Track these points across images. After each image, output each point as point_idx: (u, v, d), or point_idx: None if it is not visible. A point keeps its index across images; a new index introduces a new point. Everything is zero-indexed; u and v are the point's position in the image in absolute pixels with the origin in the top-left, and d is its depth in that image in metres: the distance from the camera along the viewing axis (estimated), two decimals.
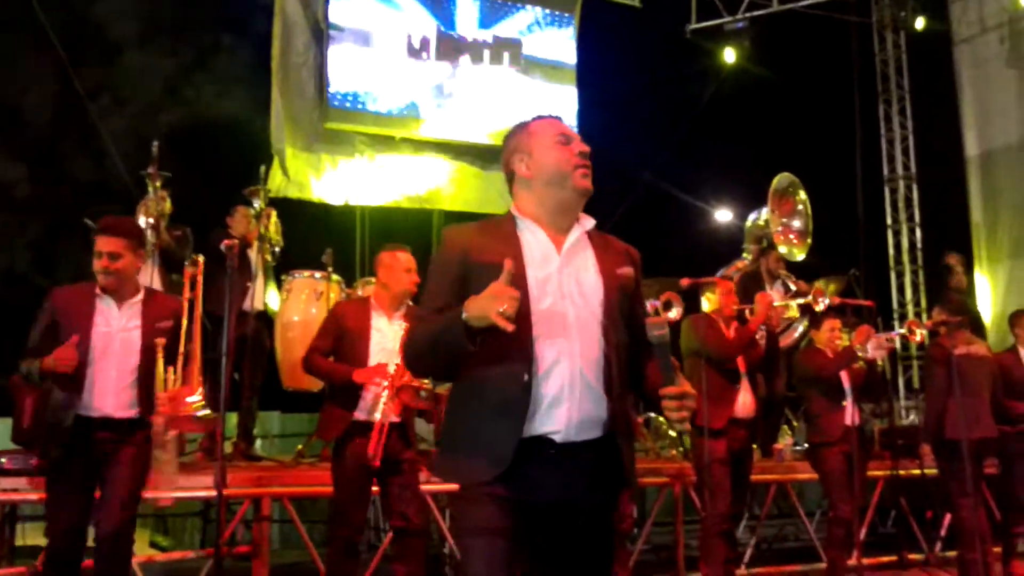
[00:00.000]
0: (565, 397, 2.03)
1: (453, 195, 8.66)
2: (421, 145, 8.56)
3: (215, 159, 8.41)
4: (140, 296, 3.44)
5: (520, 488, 2.01)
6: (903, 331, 5.95)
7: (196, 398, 3.35)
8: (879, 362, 6.60)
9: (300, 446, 5.69)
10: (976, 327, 6.90)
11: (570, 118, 9.09)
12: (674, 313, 4.57)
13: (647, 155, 10.14)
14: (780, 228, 5.76)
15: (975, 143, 10.11)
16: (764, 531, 6.38)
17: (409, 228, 8.15)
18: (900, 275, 10.20)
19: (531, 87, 8.96)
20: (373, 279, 5.84)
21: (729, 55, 9.78)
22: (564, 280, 2.11)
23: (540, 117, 2.28)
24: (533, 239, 2.14)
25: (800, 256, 5.86)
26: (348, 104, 8.19)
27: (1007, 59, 9.82)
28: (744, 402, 4.72)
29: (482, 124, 8.67)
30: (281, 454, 6.56)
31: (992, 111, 9.97)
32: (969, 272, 9.02)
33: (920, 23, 9.78)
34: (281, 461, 5.45)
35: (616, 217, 9.38)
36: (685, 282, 4.64)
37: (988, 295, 9.70)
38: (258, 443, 6.71)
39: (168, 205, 5.13)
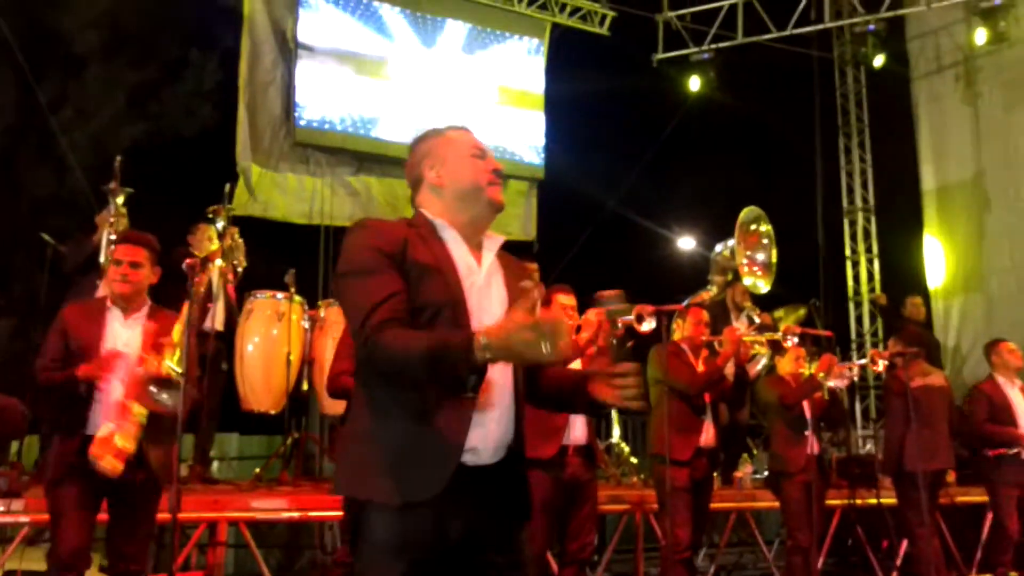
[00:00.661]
0: (489, 418, 1.93)
1: None
2: (389, 166, 8.54)
3: (179, 176, 8.31)
4: (145, 310, 3.43)
5: (442, 513, 1.90)
6: (865, 360, 6.04)
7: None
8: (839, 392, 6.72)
9: (258, 469, 5.60)
10: (933, 358, 7.05)
11: (538, 144, 9.16)
12: (646, 327, 4.59)
13: (612, 181, 10.24)
14: (746, 260, 5.82)
15: (931, 177, 10.36)
16: (723, 559, 6.40)
17: None
18: (858, 305, 10.37)
19: (501, 112, 9.01)
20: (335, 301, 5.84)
21: (695, 85, 9.92)
22: (484, 296, 2.05)
23: (454, 127, 2.24)
24: (458, 250, 2.06)
25: (765, 289, 5.93)
26: (315, 123, 8.16)
27: (962, 96, 10.09)
28: (708, 432, 4.74)
29: None
30: (239, 477, 6.45)
31: (948, 146, 10.22)
32: (926, 304, 9.20)
33: (879, 60, 10.02)
34: (238, 484, 5.35)
35: (580, 242, 9.44)
36: (649, 309, 4.65)
37: (943, 328, 9.89)
38: (215, 465, 6.60)
39: (125, 222, 5.04)
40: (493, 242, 2.16)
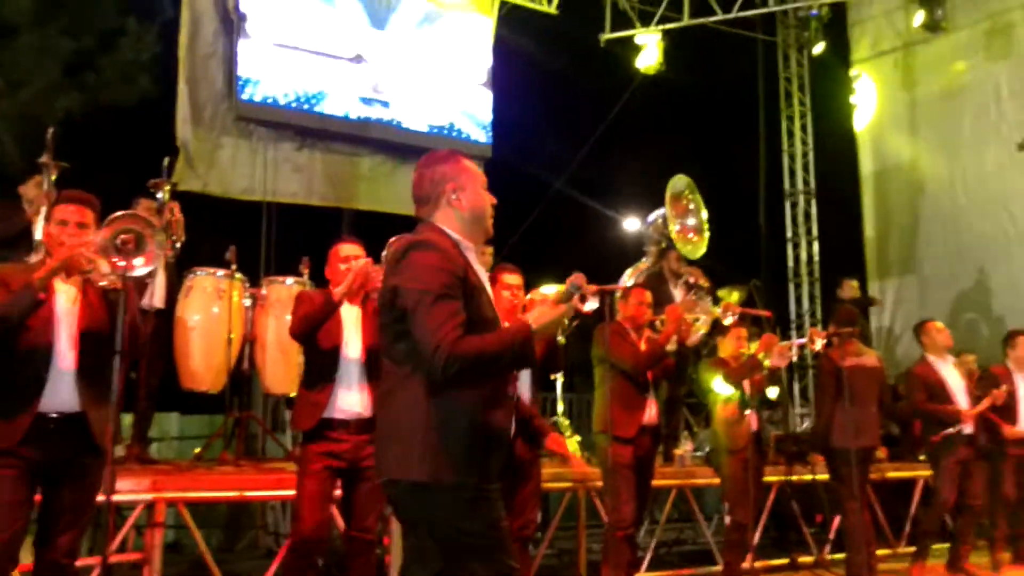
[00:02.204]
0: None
1: (366, 193, 8.55)
2: (334, 141, 8.42)
3: (116, 149, 8.08)
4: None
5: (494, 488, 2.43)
6: (804, 340, 6.18)
7: None
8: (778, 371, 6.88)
9: (198, 449, 5.53)
10: (866, 339, 7.26)
11: (485, 122, 9.11)
12: (589, 306, 4.63)
13: (560, 161, 10.26)
14: (678, 228, 5.88)
15: (870, 162, 10.60)
16: (664, 535, 6.52)
17: (318, 226, 8.01)
18: (798, 286, 10.59)
19: (449, 90, 8.93)
20: (279, 278, 5.75)
21: (642, 65, 9.96)
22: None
23: (464, 155, 2.63)
24: (480, 270, 2.53)
25: (699, 254, 5.99)
26: (258, 97, 7.98)
27: (901, 82, 10.33)
28: (651, 410, 4.80)
29: (396, 123, 8.60)
30: (179, 457, 6.36)
31: (886, 132, 10.46)
32: (862, 286, 9.45)
33: (820, 47, 10.17)
34: (177, 464, 5.27)
35: (528, 222, 9.45)
36: (592, 288, 4.69)
37: (878, 309, 10.16)
38: (154, 446, 6.49)
39: (52, 194, 4.89)
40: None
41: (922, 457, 6.70)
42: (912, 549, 6.31)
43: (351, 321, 3.81)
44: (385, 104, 8.57)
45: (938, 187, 9.85)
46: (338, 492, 3.85)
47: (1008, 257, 9.07)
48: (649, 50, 9.86)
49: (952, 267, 9.58)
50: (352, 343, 3.77)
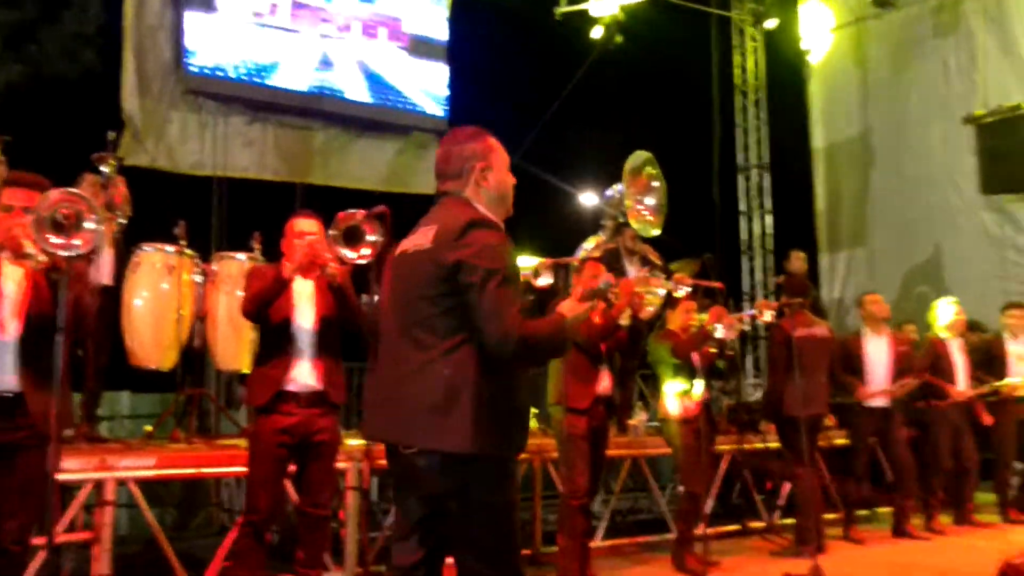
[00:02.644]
0: None
1: (319, 167, 8.45)
2: (286, 115, 8.31)
3: (60, 121, 7.87)
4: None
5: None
6: (753, 311, 6.29)
7: None
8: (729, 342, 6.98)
9: (149, 427, 5.46)
10: (816, 309, 7.41)
11: (441, 96, 9.05)
12: (543, 281, 4.65)
13: (515, 135, 10.22)
14: (634, 205, 5.87)
15: (821, 136, 10.74)
16: (618, 504, 6.61)
17: (270, 201, 7.90)
18: (751, 259, 10.73)
19: (404, 62, 8.84)
20: (230, 254, 5.67)
21: (600, 34, 9.92)
22: None
23: (491, 133, 2.68)
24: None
25: (654, 232, 6.01)
26: (208, 70, 7.83)
27: (852, 57, 10.45)
28: (605, 381, 4.85)
29: (350, 96, 8.50)
30: (131, 436, 6.28)
31: (837, 107, 10.60)
32: (812, 258, 9.62)
33: (773, 22, 10.22)
34: (127, 443, 5.21)
35: None
36: (547, 262, 4.71)
37: (829, 281, 10.35)
38: (105, 425, 6.40)
39: (3, 170, 4.76)
40: None
41: None
42: (863, 513, 6.54)
43: (304, 294, 3.79)
44: (338, 77, 8.46)
45: (887, 161, 10.02)
46: (293, 467, 3.84)
47: (955, 229, 9.28)
48: (604, 24, 9.83)
49: (901, 239, 9.77)
50: (304, 315, 3.76)
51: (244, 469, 3.89)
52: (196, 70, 7.73)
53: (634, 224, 5.85)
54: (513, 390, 2.47)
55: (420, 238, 2.55)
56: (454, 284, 2.41)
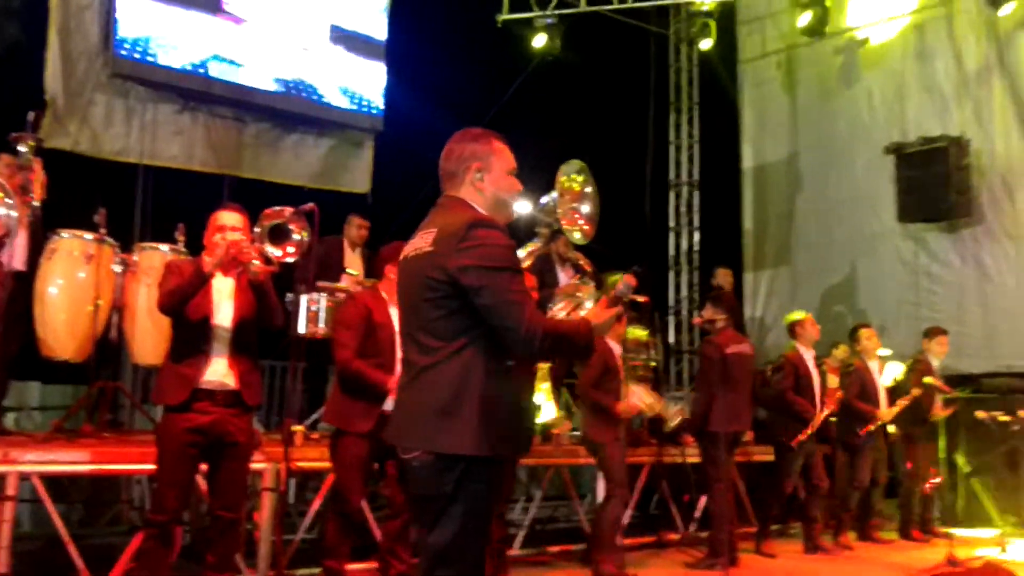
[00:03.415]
0: None
1: (249, 161, 8.29)
2: (218, 106, 8.13)
3: None
4: None
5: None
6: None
7: None
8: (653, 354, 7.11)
9: (57, 420, 5.26)
10: (738, 327, 7.59)
11: (377, 95, 8.97)
12: None
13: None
14: (569, 212, 5.93)
15: (751, 157, 11.00)
16: (539, 512, 6.63)
17: (197, 193, 7.71)
18: (678, 274, 10.91)
19: (341, 58, 8.74)
20: (152, 244, 5.50)
21: (540, 44, 9.98)
22: None
23: (498, 136, 2.66)
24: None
25: (585, 241, 6.07)
26: (138, 55, 7.60)
27: (783, 82, 10.75)
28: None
29: (284, 90, 8.36)
30: (40, 429, 6.04)
31: (767, 129, 10.88)
32: (737, 276, 9.84)
33: (708, 43, 10.41)
34: (33, 435, 5.01)
35: (418, 200, 9.36)
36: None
37: (752, 298, 10.60)
38: (12, 417, 6.16)
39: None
40: None
41: None
42: (776, 527, 6.69)
43: (224, 291, 3.70)
44: (274, 71, 8.32)
45: (813, 185, 10.32)
46: (205, 467, 3.74)
47: (873, 254, 9.60)
48: (545, 34, 9.91)
49: (822, 261, 10.07)
50: (223, 313, 3.66)
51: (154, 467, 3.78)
52: (125, 54, 7.50)
53: (568, 231, 5.88)
54: (518, 392, 2.49)
55: (420, 241, 2.53)
56: (458, 287, 2.39)
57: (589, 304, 5.83)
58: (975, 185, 8.71)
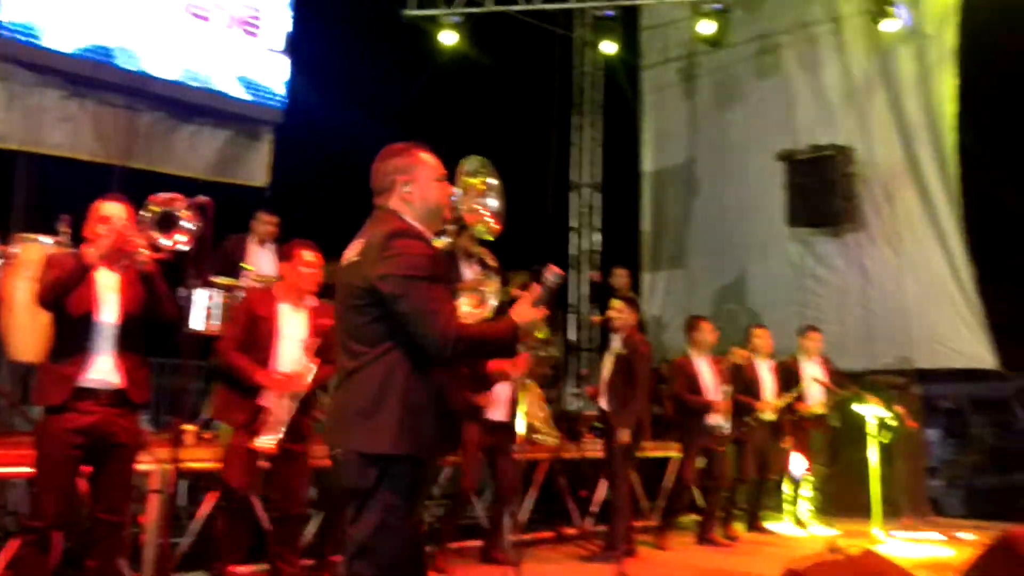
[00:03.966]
0: None
1: (141, 151, 7.97)
2: (108, 93, 7.79)
3: None
4: None
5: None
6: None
7: None
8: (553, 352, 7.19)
9: None
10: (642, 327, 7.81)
11: (279, 86, 8.78)
12: None
13: (360, 134, 10.05)
14: (472, 208, 5.95)
15: (650, 160, 11.27)
16: (435, 510, 6.60)
17: (85, 183, 7.38)
18: (578, 274, 11.08)
19: (239, 49, 8.51)
20: (34, 236, 5.24)
21: (446, 42, 9.95)
22: None
23: (422, 147, 2.80)
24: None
25: (492, 236, 6.10)
26: (21, 36, 7.22)
27: (682, 89, 11.04)
28: None
29: (181, 79, 8.09)
30: None
31: (666, 134, 11.16)
32: (635, 276, 10.07)
33: (612, 47, 10.57)
34: None
35: (320, 197, 9.22)
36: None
37: (649, 298, 10.86)
38: None
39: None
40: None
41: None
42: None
43: (108, 286, 3.56)
44: (170, 59, 8.03)
45: (708, 189, 10.65)
46: (88, 469, 3.60)
47: (764, 257, 9.98)
48: (451, 31, 9.90)
49: (716, 262, 10.40)
50: (108, 309, 3.52)
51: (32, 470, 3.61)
52: (8, 35, 7.12)
53: (474, 226, 5.90)
54: (442, 395, 2.58)
55: (351, 251, 2.69)
56: (379, 295, 2.53)
57: (492, 300, 5.89)
58: (859, 192, 9.16)
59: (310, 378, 4.23)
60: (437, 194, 2.78)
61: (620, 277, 8.68)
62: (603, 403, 6.23)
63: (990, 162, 8.84)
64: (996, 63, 8.86)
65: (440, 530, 5.67)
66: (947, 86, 8.85)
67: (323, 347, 4.28)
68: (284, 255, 4.41)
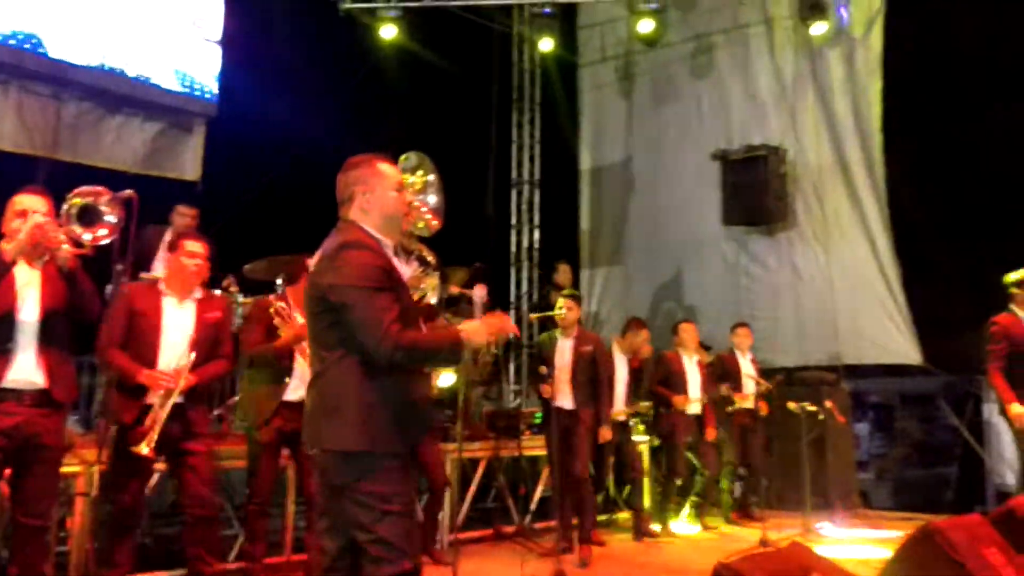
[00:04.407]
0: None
1: (66, 144, 7.71)
2: (31, 82, 7.51)
3: None
4: None
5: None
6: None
7: None
8: (494, 350, 7.20)
9: None
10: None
11: (210, 78, 8.59)
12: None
13: (295, 129, 9.89)
14: (415, 203, 5.88)
15: (588, 158, 11.35)
16: None
17: (7, 175, 7.11)
18: (519, 270, 11.10)
19: (171, 40, 8.29)
20: None
21: (385, 36, 9.85)
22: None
23: (382, 158, 2.94)
24: (397, 263, 2.94)
25: (430, 232, 6.03)
26: None
27: (619, 88, 11.14)
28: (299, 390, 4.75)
29: (110, 67, 7.84)
30: None
31: (604, 132, 11.25)
32: (575, 274, 10.12)
33: (548, 44, 10.59)
34: None
35: (254, 193, 9.05)
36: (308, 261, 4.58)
37: (587, 295, 10.94)
38: None
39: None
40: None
41: None
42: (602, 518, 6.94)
43: (27, 282, 3.42)
44: (98, 47, 7.79)
45: (645, 187, 10.77)
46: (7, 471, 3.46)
47: (699, 255, 10.13)
48: (390, 25, 9.80)
49: (653, 260, 10.52)
50: (28, 307, 3.40)
51: None
52: None
53: (413, 224, 5.84)
54: (400, 392, 2.72)
55: (312, 261, 2.88)
56: (330, 303, 2.70)
57: (432, 297, 5.85)
58: (791, 192, 9.36)
59: (187, 373, 4.01)
60: (394, 204, 2.90)
61: (563, 273, 8.68)
62: (562, 401, 6.08)
63: (915, 163, 9.13)
64: (920, 66, 9.15)
65: None
66: (874, 88, 9.10)
67: (211, 341, 4.13)
68: (170, 246, 4.21)
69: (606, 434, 6.15)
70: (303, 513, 5.14)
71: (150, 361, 3.92)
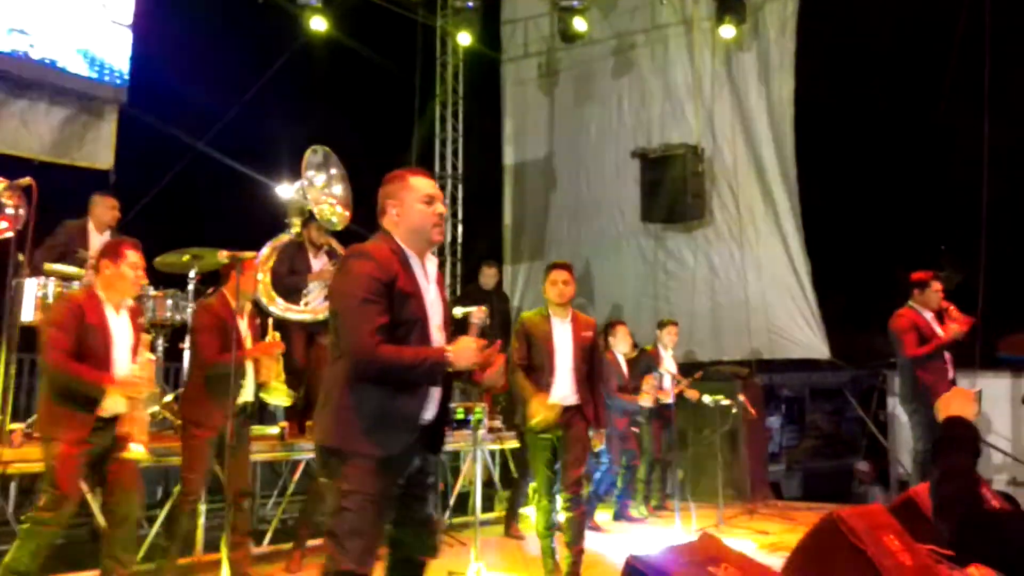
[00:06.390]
0: (435, 394, 2.93)
1: None
2: None
3: None
4: None
5: (404, 456, 2.87)
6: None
7: None
8: None
9: None
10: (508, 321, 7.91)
11: (122, 64, 8.29)
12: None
13: (207, 118, 9.63)
14: (320, 197, 5.77)
15: (511, 154, 11.38)
16: (289, 508, 6.45)
17: None
18: (442, 265, 11.06)
19: (78, 21, 7.96)
20: None
21: (316, 27, 9.64)
22: (433, 307, 2.96)
23: (416, 172, 3.04)
24: (419, 274, 2.94)
25: (341, 225, 5.94)
26: None
27: (542, 84, 11.20)
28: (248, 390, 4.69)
29: (14, 50, 7.50)
30: None
31: (527, 127, 11.30)
32: (499, 268, 10.13)
33: (467, 38, 10.56)
34: None
35: (164, 183, 8.79)
36: (224, 255, 4.47)
37: (511, 290, 10.98)
38: None
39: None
40: (431, 262, 3.05)
41: None
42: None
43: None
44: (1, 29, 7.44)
45: (567, 184, 10.87)
46: None
47: (617, 251, 10.29)
48: (315, 15, 9.62)
49: (573, 255, 10.58)
50: None
51: None
52: None
53: (321, 216, 5.75)
54: (380, 402, 2.79)
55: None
56: (333, 310, 2.94)
57: (319, 301, 5.76)
58: (708, 190, 9.57)
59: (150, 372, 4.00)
60: (419, 217, 2.97)
61: (488, 276, 8.52)
62: (562, 394, 5.17)
63: (826, 164, 9.44)
64: (830, 68, 9.46)
65: (298, 529, 5.53)
66: (787, 90, 9.36)
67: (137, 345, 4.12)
68: (109, 252, 4.05)
69: (599, 441, 5.16)
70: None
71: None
